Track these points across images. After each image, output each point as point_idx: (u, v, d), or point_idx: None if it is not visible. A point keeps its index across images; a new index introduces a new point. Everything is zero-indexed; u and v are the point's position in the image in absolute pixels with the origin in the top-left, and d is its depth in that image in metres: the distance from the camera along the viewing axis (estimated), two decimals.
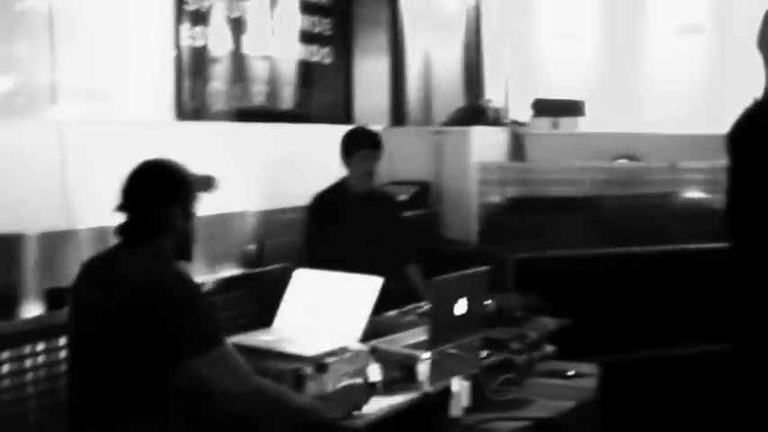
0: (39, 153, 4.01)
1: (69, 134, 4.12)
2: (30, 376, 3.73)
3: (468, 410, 3.06)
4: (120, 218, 2.80)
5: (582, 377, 3.58)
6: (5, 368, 3.65)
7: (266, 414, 2.75)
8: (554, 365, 3.67)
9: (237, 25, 5.57)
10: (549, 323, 3.97)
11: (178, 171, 2.85)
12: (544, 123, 6.62)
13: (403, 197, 5.66)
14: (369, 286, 3.50)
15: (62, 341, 3.72)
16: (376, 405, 2.92)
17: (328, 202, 4.71)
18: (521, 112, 6.91)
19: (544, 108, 6.67)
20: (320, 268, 3.75)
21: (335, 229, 4.59)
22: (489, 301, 3.76)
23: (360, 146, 4.65)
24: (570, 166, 5.87)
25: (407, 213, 5.35)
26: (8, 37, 4.20)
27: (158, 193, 2.79)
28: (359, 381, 3.05)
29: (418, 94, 6.94)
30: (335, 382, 3.00)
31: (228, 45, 5.50)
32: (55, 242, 4.04)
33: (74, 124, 4.23)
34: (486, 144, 6.20)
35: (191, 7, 5.24)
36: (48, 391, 3.75)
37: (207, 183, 2.96)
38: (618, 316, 5.17)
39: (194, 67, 5.27)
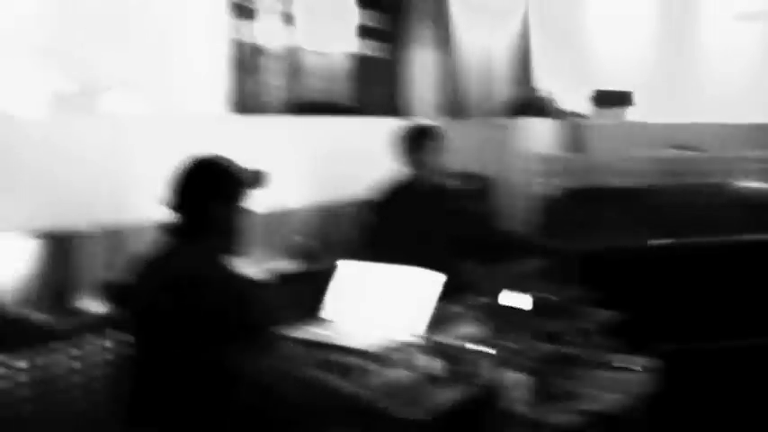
0: (98, 147, 4.06)
1: (128, 128, 4.18)
2: (89, 369, 3.79)
3: (526, 403, 3.04)
4: (171, 214, 2.81)
5: (640, 370, 3.53)
6: (66, 361, 3.71)
7: (321, 406, 2.76)
8: (611, 358, 3.62)
9: (292, 20, 5.59)
10: (607, 315, 3.93)
11: (227, 167, 2.85)
12: (600, 114, 6.56)
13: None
14: (431, 281, 3.49)
15: (120, 335, 3.77)
16: (433, 398, 2.93)
17: (391, 194, 4.65)
18: (575, 101, 6.85)
19: (601, 98, 6.61)
20: (378, 259, 3.74)
21: (397, 221, 4.53)
22: (546, 293, 3.74)
23: (422, 141, 4.60)
24: (627, 156, 5.80)
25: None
26: (69, 32, 4.25)
27: (207, 190, 2.80)
28: (416, 373, 3.05)
29: (472, 86, 6.91)
30: (393, 374, 3.00)
31: (283, 39, 5.52)
32: (112, 237, 4.09)
33: (132, 118, 4.28)
34: (542, 135, 6.16)
35: (245, 2, 5.27)
36: (105, 385, 3.80)
37: (257, 178, 2.95)
38: (676, 308, 5.12)
39: (249, 61, 5.30)
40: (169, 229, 2.81)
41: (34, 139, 3.83)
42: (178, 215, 2.79)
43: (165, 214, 2.85)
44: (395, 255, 3.78)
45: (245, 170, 2.89)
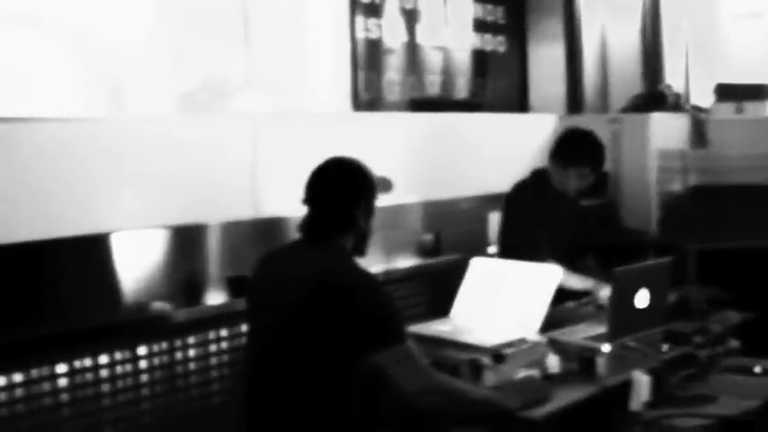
0: (225, 145, 4.15)
1: (255, 126, 4.25)
2: (214, 360, 3.88)
3: (649, 405, 2.99)
4: (304, 211, 2.86)
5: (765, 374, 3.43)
6: (192, 352, 3.81)
7: (446, 409, 2.76)
8: (739, 361, 3.53)
9: (411, 16, 5.61)
10: (734, 317, 3.83)
11: (363, 170, 2.90)
12: (727, 108, 6.37)
13: None
14: (548, 276, 3.46)
15: (244, 327, 3.85)
16: (553, 396, 2.90)
17: (526, 195, 4.51)
18: (702, 96, 6.68)
19: (727, 92, 6.42)
20: (512, 257, 3.71)
21: (527, 220, 4.29)
22: (671, 294, 3.67)
23: (581, 162, 4.26)
24: (755, 152, 5.63)
25: (586, 202, 5.16)
26: (202, 34, 4.35)
27: (345, 190, 2.85)
28: (537, 372, 3.03)
29: (594, 80, 6.82)
30: (513, 372, 2.99)
31: (403, 36, 5.54)
32: (237, 231, 4.17)
33: (259, 116, 4.35)
34: (666, 131, 6.03)
35: (365, 0, 5.31)
36: (230, 375, 3.89)
37: (384, 184, 3.00)
38: None
39: (370, 58, 5.34)
40: (303, 226, 2.86)
41: (164, 137, 3.94)
42: (314, 212, 2.84)
43: (294, 209, 2.90)
44: (523, 253, 3.74)
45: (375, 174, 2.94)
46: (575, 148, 4.31)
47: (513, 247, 4.21)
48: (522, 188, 4.49)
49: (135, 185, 3.79)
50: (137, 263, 3.82)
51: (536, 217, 4.26)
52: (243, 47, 4.53)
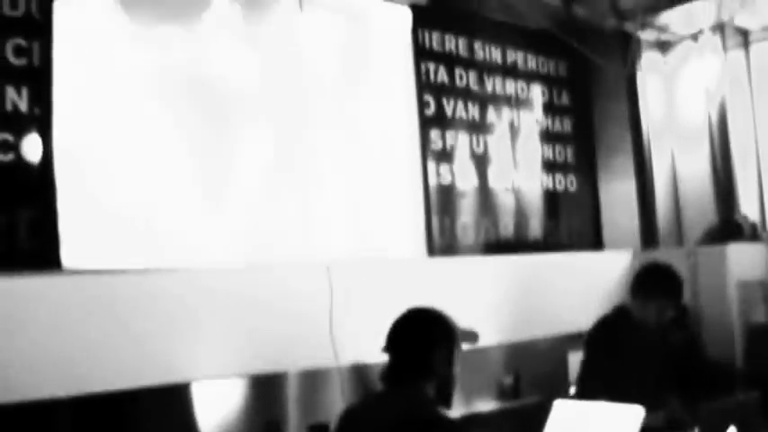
0: (306, 293, 4.21)
1: (332, 273, 4.32)
2: None
3: None
4: (384, 357, 2.89)
5: None
6: None
7: None
8: None
9: (482, 160, 5.69)
10: None
11: (441, 318, 2.93)
12: None
13: None
14: (631, 416, 3.40)
15: None
16: None
17: (609, 332, 4.49)
18: None
19: None
20: (591, 396, 3.66)
21: (615, 361, 4.25)
22: (762, 428, 3.57)
23: (661, 295, 4.28)
24: None
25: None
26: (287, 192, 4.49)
27: (421, 338, 2.87)
28: None
29: (668, 212, 6.79)
30: None
31: (474, 180, 5.62)
32: (317, 378, 4.19)
33: (335, 264, 4.42)
34: (745, 261, 5.95)
35: (436, 146, 5.42)
36: None
37: (470, 336, 3.02)
38: None
39: (443, 203, 5.41)
40: (383, 374, 2.89)
41: (241, 287, 4.02)
42: (393, 360, 2.87)
43: (373, 356, 2.93)
44: (606, 392, 3.68)
45: (459, 326, 2.97)
46: (653, 281, 4.31)
47: (596, 386, 4.15)
48: (603, 325, 4.45)
49: (215, 335, 3.86)
50: (218, 411, 3.86)
51: (619, 354, 4.21)
52: (316, 195, 4.65)
